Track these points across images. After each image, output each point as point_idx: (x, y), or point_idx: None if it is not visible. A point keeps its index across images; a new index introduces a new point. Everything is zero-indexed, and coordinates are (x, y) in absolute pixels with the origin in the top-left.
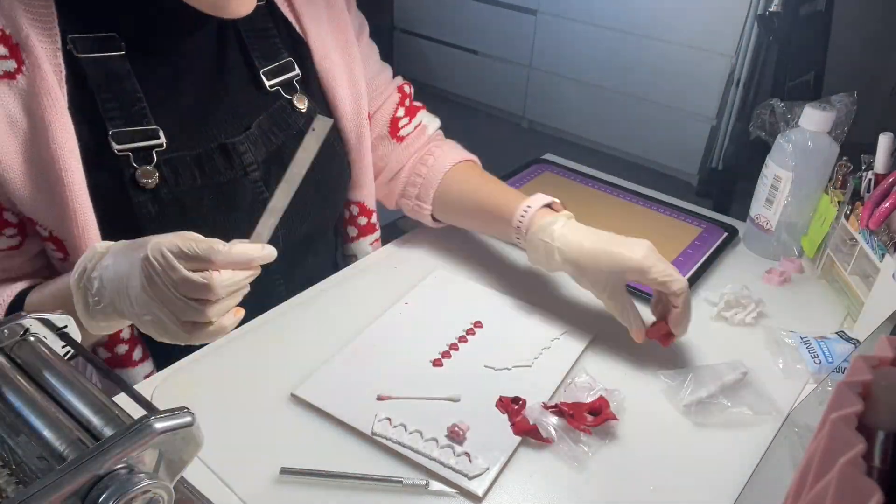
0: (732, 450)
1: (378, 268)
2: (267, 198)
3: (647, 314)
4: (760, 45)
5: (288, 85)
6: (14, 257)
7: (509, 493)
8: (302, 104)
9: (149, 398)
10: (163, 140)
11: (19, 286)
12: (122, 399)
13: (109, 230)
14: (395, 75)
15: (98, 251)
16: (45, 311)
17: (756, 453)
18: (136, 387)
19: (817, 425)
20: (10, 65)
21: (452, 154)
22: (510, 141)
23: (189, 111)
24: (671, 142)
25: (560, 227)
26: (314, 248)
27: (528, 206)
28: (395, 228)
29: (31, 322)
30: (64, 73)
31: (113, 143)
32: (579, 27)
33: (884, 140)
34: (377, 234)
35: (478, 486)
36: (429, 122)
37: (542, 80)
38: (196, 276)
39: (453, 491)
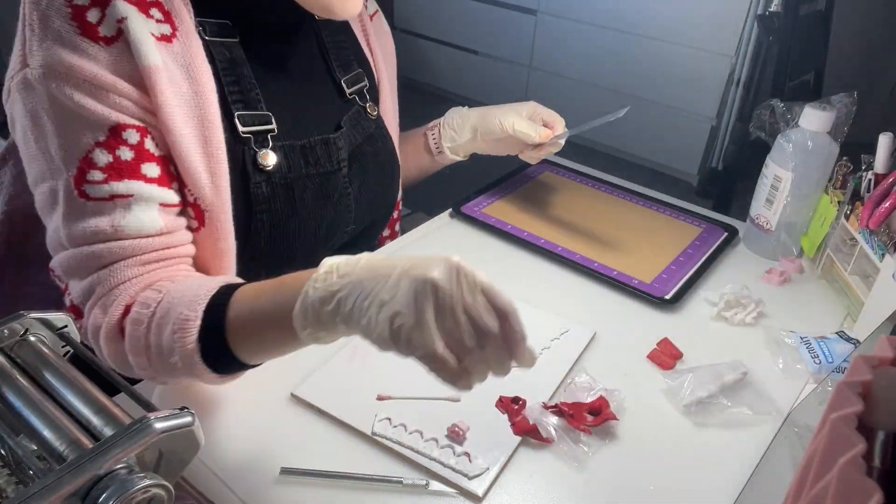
0: (732, 450)
1: None
2: (350, 192)
3: (648, 317)
4: (760, 45)
5: (359, 93)
6: (181, 216)
7: (509, 493)
8: (373, 112)
9: (149, 398)
10: (275, 126)
11: (217, 281)
12: (122, 399)
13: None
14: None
15: (323, 280)
16: (252, 324)
17: (756, 453)
18: (136, 387)
19: (817, 425)
20: (167, 29)
21: None
22: None
23: (293, 104)
24: (671, 142)
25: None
26: (366, 245)
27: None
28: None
29: (31, 322)
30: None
31: (238, 125)
32: (579, 27)
33: (884, 140)
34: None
35: (478, 486)
36: None
37: (542, 80)
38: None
39: (453, 491)
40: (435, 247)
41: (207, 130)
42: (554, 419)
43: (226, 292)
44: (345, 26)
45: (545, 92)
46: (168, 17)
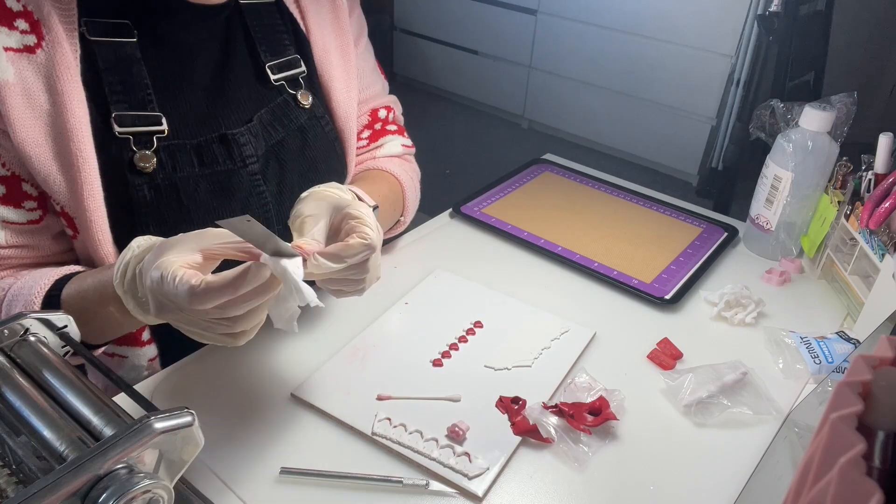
0: (732, 450)
1: None
2: (263, 190)
3: (648, 317)
4: (760, 45)
5: (292, 81)
6: (36, 233)
7: (509, 493)
8: (306, 100)
9: (149, 398)
10: (165, 127)
11: (52, 274)
12: (122, 399)
13: (111, 211)
14: (395, 75)
15: (135, 250)
16: (88, 306)
17: (756, 453)
18: (136, 387)
19: (817, 425)
20: (31, 39)
21: (383, 164)
22: (510, 141)
23: (194, 100)
24: (671, 142)
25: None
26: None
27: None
28: None
29: (31, 322)
30: (79, 52)
31: (115, 125)
32: (579, 27)
33: (884, 140)
34: None
35: (478, 486)
36: (389, 147)
37: (542, 80)
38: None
39: (453, 491)
40: (435, 247)
41: (67, 139)
42: (554, 419)
43: (63, 280)
44: (273, 8)
45: (545, 92)
46: (35, 27)
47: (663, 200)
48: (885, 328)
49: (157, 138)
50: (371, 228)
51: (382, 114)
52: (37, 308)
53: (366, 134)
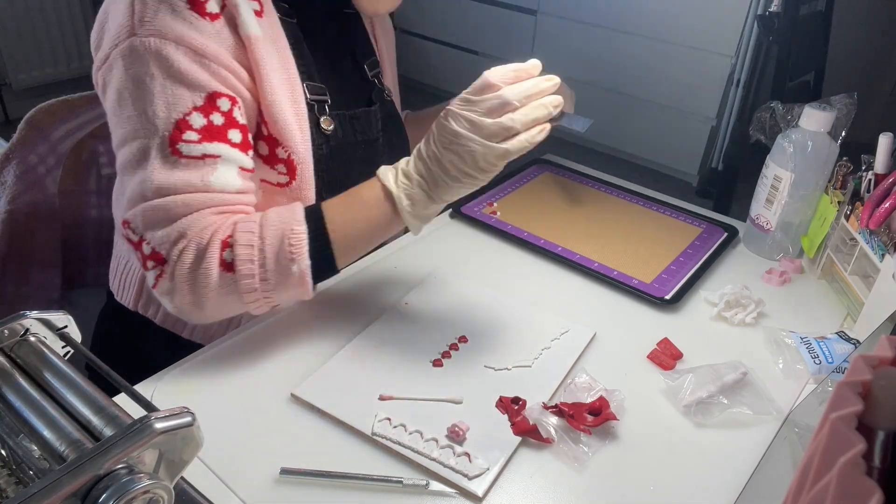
0: (732, 450)
1: (378, 268)
2: (384, 161)
3: (648, 317)
4: (760, 45)
5: (376, 77)
6: (252, 181)
7: (509, 493)
8: (390, 94)
9: (149, 398)
10: (328, 98)
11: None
12: (122, 399)
13: None
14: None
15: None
16: (354, 233)
17: (756, 453)
18: (136, 387)
19: (817, 425)
20: (257, 6)
21: None
22: None
23: (339, 79)
24: (671, 142)
25: None
26: None
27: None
28: None
29: (31, 322)
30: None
31: (307, 93)
32: (579, 27)
33: (884, 140)
34: None
35: (478, 487)
36: None
37: None
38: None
39: (453, 491)
40: (435, 247)
41: (294, 93)
42: (554, 419)
43: (312, 210)
44: (359, 16)
45: None
46: None
47: (663, 200)
48: (885, 328)
49: (328, 106)
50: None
51: None
52: (304, 222)
53: None
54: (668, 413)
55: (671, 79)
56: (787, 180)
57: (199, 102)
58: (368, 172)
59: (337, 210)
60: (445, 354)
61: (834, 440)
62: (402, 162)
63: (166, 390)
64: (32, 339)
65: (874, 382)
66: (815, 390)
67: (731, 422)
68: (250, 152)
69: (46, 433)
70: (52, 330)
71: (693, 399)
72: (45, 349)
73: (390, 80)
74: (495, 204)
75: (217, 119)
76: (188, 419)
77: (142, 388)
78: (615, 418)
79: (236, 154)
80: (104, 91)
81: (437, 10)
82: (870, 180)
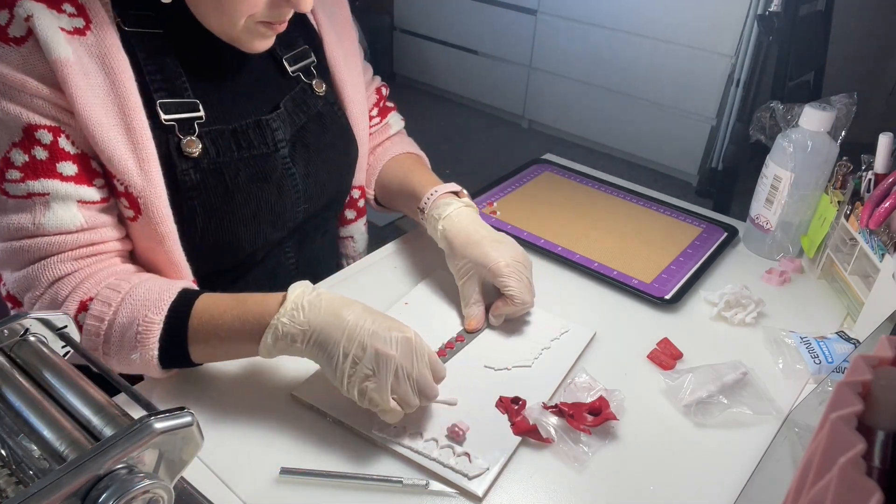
0: (732, 450)
1: (378, 268)
2: (294, 173)
3: (648, 317)
4: (760, 45)
5: (306, 71)
6: (105, 213)
7: (509, 493)
8: (320, 88)
9: (149, 398)
10: (202, 113)
11: (174, 285)
12: (122, 399)
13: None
14: (394, 75)
15: (305, 300)
16: (214, 338)
17: (756, 453)
18: (136, 387)
19: (817, 425)
20: (80, 22)
21: (400, 146)
22: (510, 141)
23: (224, 89)
24: (671, 142)
25: (453, 209)
26: (324, 226)
27: (436, 190)
28: (395, 228)
29: (31, 322)
30: (119, 40)
31: (161, 113)
32: (579, 27)
33: (884, 140)
34: (366, 215)
35: (478, 487)
36: (394, 122)
37: (542, 80)
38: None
39: (453, 491)
40: (435, 247)
41: (129, 118)
42: (554, 419)
43: (186, 299)
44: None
45: (545, 92)
46: (81, 11)
47: (663, 200)
48: (885, 328)
49: (198, 124)
50: (516, 287)
51: (384, 91)
52: (163, 313)
53: (375, 111)
54: (668, 413)
55: (671, 79)
56: (787, 180)
57: (17, 138)
58: (264, 190)
59: (210, 308)
60: (441, 353)
61: (834, 440)
62: (323, 296)
63: (166, 390)
64: (32, 339)
65: (874, 382)
66: (815, 390)
67: (731, 422)
68: (98, 180)
69: (46, 433)
70: (51, 330)
71: (693, 399)
72: (44, 349)
73: (341, 69)
74: (495, 204)
75: (39, 153)
76: (188, 419)
77: (142, 388)
78: (615, 418)
79: (70, 189)
80: None
81: (437, 10)
82: (870, 180)
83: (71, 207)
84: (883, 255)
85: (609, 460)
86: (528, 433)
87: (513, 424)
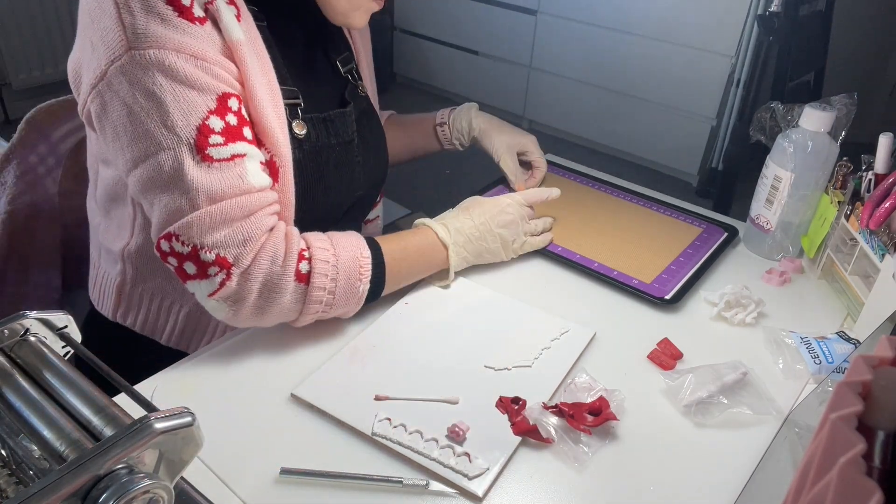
0: (732, 450)
1: None
2: (360, 161)
3: (648, 317)
4: (760, 45)
5: (350, 73)
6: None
7: (509, 493)
8: (363, 90)
9: (149, 398)
10: (301, 101)
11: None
12: (122, 399)
13: None
14: (395, 75)
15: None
16: (404, 268)
17: (756, 453)
18: (136, 387)
19: (817, 425)
20: (234, 10)
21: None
22: None
23: (308, 81)
24: (671, 142)
25: (474, 109)
26: (360, 210)
27: (445, 108)
28: (395, 228)
29: (31, 322)
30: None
31: (282, 97)
32: (579, 27)
33: (884, 140)
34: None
35: (478, 487)
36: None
37: (542, 80)
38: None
39: (453, 491)
40: None
41: (274, 96)
42: (554, 419)
43: (372, 241)
44: None
45: (545, 92)
46: (232, 1)
47: (663, 200)
48: (885, 328)
49: (300, 110)
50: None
51: None
52: (367, 250)
53: None
54: (668, 413)
55: (671, 79)
56: (787, 180)
57: (213, 105)
58: (343, 175)
59: (391, 246)
60: (445, 355)
61: (834, 440)
62: (448, 220)
63: (166, 390)
64: (32, 339)
65: (874, 382)
66: (815, 390)
67: (731, 422)
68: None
69: (46, 433)
70: (52, 330)
71: (693, 399)
72: (45, 349)
73: (366, 74)
74: None
75: (231, 119)
76: (188, 419)
77: (142, 388)
78: (615, 418)
79: (255, 150)
80: (103, 115)
81: (437, 10)
82: (870, 180)
83: (259, 166)
84: (883, 255)
85: (609, 460)
86: (529, 433)
87: (513, 424)
